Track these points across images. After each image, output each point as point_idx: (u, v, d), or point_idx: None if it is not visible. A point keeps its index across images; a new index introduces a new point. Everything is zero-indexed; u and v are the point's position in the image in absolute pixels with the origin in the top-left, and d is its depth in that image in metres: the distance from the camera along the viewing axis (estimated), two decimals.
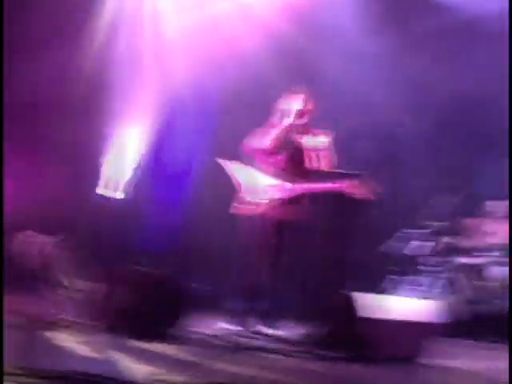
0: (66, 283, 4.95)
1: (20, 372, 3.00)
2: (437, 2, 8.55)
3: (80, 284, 5.09)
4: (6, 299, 5.16)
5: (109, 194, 8.79)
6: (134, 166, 8.82)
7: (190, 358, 3.99)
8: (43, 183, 8.37)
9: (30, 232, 5.05)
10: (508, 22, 7.65)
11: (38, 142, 8.45)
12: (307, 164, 5.22)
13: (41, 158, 8.35)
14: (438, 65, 8.92)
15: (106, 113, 8.60)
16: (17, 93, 8.10)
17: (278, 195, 5.09)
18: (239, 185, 5.31)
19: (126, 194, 8.83)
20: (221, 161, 5.45)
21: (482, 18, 8.19)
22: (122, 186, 8.82)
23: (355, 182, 4.98)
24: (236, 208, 5.31)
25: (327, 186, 5.10)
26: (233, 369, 3.77)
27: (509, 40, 7.69)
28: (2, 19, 7.49)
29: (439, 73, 8.86)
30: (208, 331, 4.93)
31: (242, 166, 5.35)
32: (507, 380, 3.77)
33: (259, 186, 5.22)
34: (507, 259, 7.49)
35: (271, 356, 4.39)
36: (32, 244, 4.96)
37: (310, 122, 5.31)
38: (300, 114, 5.23)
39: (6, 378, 2.92)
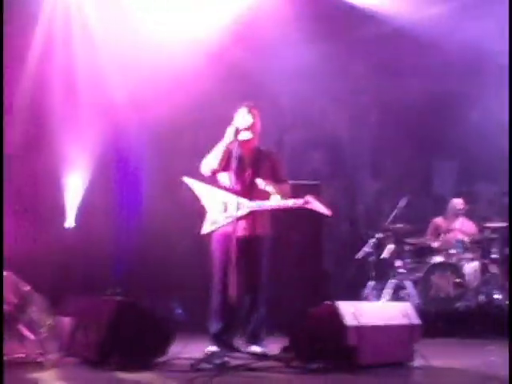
0: (46, 321, 4.84)
1: None
2: (372, 12, 8.73)
3: (58, 320, 4.98)
4: None
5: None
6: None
7: None
8: (6, 222, 8.23)
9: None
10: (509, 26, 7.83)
11: None
12: (262, 178, 5.21)
13: None
14: (377, 72, 9.14)
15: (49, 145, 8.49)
16: None
17: (240, 213, 5.08)
18: (206, 204, 5.29)
19: (81, 223, 8.68)
20: (187, 180, 5.42)
21: (415, 25, 8.44)
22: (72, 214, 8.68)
23: (309, 198, 5.00)
24: (205, 229, 5.30)
25: (282, 204, 5.10)
26: None
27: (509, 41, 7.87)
28: (1, 21, 7.35)
29: (379, 80, 9.10)
30: (192, 355, 4.87)
31: (205, 185, 5.33)
32: (499, 374, 3.82)
33: (221, 204, 5.20)
34: (476, 255, 7.66)
35: (258, 374, 4.38)
36: (4, 284, 4.83)
37: (255, 138, 5.32)
38: (246, 129, 5.22)
39: None
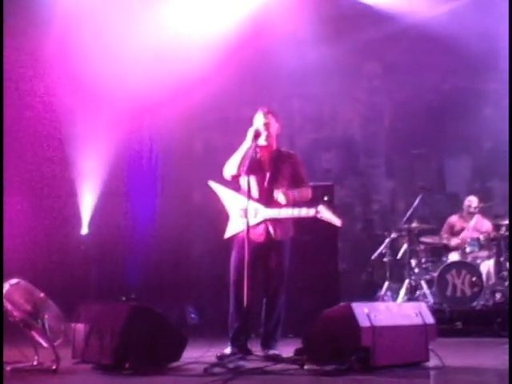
0: (60, 328, 4.84)
1: None
2: (385, 10, 8.70)
3: (72, 327, 5.00)
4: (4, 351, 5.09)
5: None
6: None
7: None
8: (21, 230, 8.30)
9: (15, 279, 4.92)
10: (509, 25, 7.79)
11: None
12: (281, 182, 5.20)
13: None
14: (390, 71, 9.11)
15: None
16: None
17: (255, 221, 5.07)
18: (229, 209, 5.31)
19: (95, 230, 8.71)
20: (213, 184, 5.43)
21: (428, 22, 8.40)
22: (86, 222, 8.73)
23: (321, 208, 4.97)
24: (226, 233, 5.32)
25: (295, 213, 5.07)
26: None
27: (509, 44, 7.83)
28: (1, 21, 7.41)
29: (392, 80, 9.07)
30: (207, 359, 4.87)
31: (227, 189, 5.34)
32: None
33: (240, 210, 5.20)
34: (491, 253, 7.58)
35: (272, 377, 4.37)
36: (19, 291, 4.84)
37: (273, 141, 5.31)
38: (263, 134, 5.21)
39: None
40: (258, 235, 5.11)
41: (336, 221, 4.97)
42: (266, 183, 5.21)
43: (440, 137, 8.97)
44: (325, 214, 4.96)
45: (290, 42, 8.78)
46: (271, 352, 5.10)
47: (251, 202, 5.11)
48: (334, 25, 8.78)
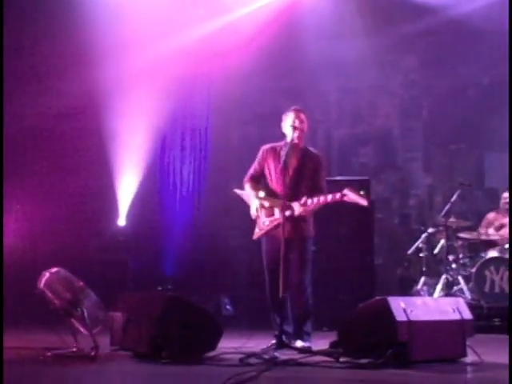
0: (99, 316, 4.93)
1: None
2: (421, 4, 8.60)
3: (110, 315, 5.08)
4: (39, 336, 5.19)
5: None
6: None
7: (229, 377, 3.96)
8: (60, 220, 8.46)
9: (55, 268, 5.02)
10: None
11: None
12: (303, 181, 5.26)
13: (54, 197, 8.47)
14: (430, 66, 9.00)
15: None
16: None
17: (282, 216, 5.09)
18: (256, 210, 5.36)
19: (133, 221, 8.82)
20: (238, 191, 5.54)
21: (466, 15, 8.29)
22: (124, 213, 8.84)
23: (346, 191, 4.96)
24: (255, 234, 5.40)
25: (321, 200, 5.09)
26: None
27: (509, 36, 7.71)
28: (2, 24, 7.57)
29: (430, 72, 8.96)
30: (242, 350, 4.90)
31: (252, 191, 5.40)
32: None
33: (267, 209, 5.29)
34: None
35: (307, 369, 4.38)
36: (59, 279, 4.94)
37: (302, 140, 5.35)
38: (292, 132, 5.28)
39: None
40: (287, 232, 5.09)
41: (362, 201, 4.95)
42: (289, 180, 5.25)
43: (479, 132, 8.86)
44: (351, 195, 4.96)
45: (327, 34, 8.74)
46: (305, 344, 5.12)
47: (277, 199, 5.19)
48: (373, 18, 8.72)
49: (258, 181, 5.44)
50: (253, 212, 5.38)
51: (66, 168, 8.78)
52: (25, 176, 8.48)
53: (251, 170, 5.49)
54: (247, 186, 5.46)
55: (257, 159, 5.48)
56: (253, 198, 5.37)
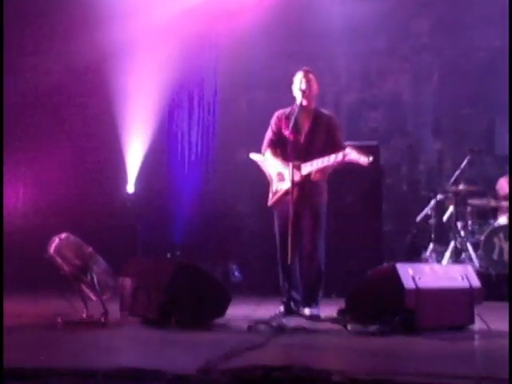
0: (108, 282, 4.96)
1: (70, 371, 3.01)
2: None
3: (119, 281, 5.10)
4: (49, 302, 5.24)
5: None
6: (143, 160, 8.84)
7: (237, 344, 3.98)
8: (69, 186, 8.49)
9: (64, 234, 5.03)
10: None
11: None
12: (316, 143, 5.21)
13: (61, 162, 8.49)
14: (440, 29, 8.86)
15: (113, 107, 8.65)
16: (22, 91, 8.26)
17: (293, 179, 5.06)
18: (270, 176, 5.33)
19: (142, 187, 8.83)
20: (252, 155, 5.49)
21: None
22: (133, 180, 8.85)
23: (347, 150, 4.92)
24: (269, 201, 5.36)
25: (326, 162, 5.04)
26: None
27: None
28: (2, 21, 7.53)
29: (442, 37, 8.82)
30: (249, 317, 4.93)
31: (266, 157, 5.37)
32: None
33: (279, 174, 5.26)
34: None
35: (315, 336, 4.41)
36: (68, 245, 4.96)
37: (313, 102, 5.30)
38: (303, 94, 5.22)
39: (58, 377, 2.94)
40: (298, 198, 5.08)
41: (364, 160, 4.90)
42: (302, 142, 5.22)
43: (490, 97, 8.73)
44: (352, 155, 4.92)
45: None
46: (314, 312, 5.13)
47: (289, 163, 5.11)
48: None
49: (277, 146, 5.38)
50: (273, 178, 5.33)
51: (74, 133, 8.79)
52: (33, 140, 8.49)
53: (268, 137, 5.41)
54: (267, 153, 5.39)
55: (270, 125, 5.41)
56: (273, 164, 5.32)
